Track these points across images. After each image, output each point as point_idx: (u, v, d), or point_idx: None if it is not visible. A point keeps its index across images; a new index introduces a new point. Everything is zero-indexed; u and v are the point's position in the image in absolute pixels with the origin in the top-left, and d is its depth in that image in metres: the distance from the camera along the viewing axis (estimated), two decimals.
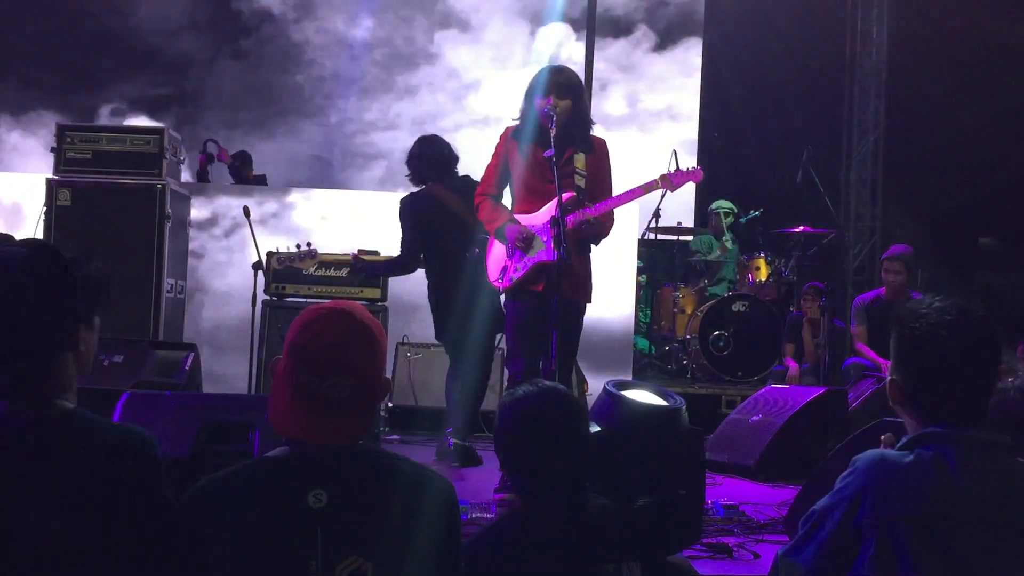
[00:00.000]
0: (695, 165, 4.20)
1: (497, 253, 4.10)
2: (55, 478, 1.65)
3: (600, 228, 4.00)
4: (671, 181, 4.08)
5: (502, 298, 4.34)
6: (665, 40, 9.19)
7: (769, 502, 4.12)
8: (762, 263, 7.46)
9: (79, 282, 1.78)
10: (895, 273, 6.23)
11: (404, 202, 5.08)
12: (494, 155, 4.14)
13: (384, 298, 6.20)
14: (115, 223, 5.94)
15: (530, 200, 4.02)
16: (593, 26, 8.86)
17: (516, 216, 4.05)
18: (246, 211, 5.91)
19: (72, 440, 1.70)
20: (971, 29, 8.53)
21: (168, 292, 6.07)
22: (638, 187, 4.02)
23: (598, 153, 4.08)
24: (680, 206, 8.43)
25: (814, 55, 9.02)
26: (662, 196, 6.97)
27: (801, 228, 7.30)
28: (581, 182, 3.98)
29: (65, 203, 5.95)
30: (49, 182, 5.98)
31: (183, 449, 2.73)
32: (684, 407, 2.39)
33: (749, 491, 4.47)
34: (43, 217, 5.93)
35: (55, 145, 6.07)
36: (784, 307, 7.51)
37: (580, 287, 4.03)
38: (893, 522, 1.73)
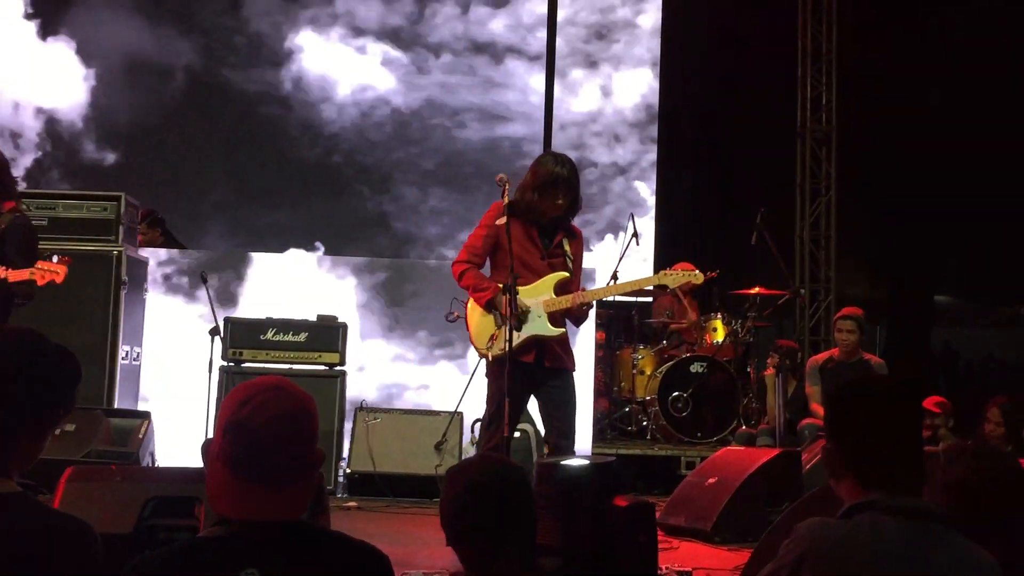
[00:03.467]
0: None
1: (481, 320, 4.20)
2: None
3: (585, 311, 4.30)
4: (672, 279, 4.37)
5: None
6: (623, 99, 9.28)
7: (724, 567, 4.13)
8: (719, 324, 7.54)
9: (62, 375, 1.85)
10: (847, 332, 6.34)
11: None
12: (483, 226, 4.27)
13: (343, 362, 6.19)
14: (71, 289, 5.88)
15: (521, 273, 4.17)
16: (553, 60, 8.93)
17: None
18: (203, 277, 5.91)
19: (11, 523, 1.69)
20: (919, 90, 8.82)
21: (123, 359, 6.02)
22: (642, 279, 4.75)
23: (578, 240, 4.40)
24: (638, 268, 8.53)
25: (767, 120, 9.25)
26: (619, 259, 7.06)
27: (757, 289, 7.41)
28: (571, 265, 4.28)
29: None
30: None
31: (127, 524, 2.69)
32: (613, 462, 2.41)
33: (705, 555, 4.47)
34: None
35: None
36: (742, 367, 7.58)
37: (569, 356, 4.30)
38: None
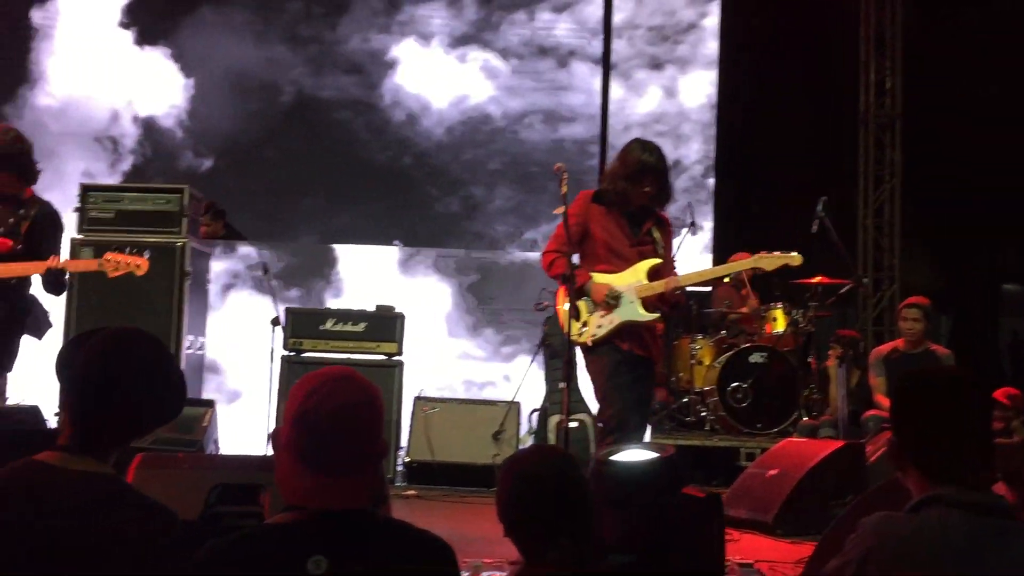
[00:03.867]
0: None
1: (576, 308, 4.20)
2: (82, 532, 1.71)
3: (680, 297, 4.38)
4: (768, 262, 4.41)
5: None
6: (688, 99, 9.26)
7: (786, 560, 4.07)
8: (779, 314, 7.43)
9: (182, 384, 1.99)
10: (913, 321, 6.20)
11: None
12: (571, 215, 4.22)
13: (400, 352, 6.23)
14: (136, 281, 6.01)
15: (610, 261, 4.21)
16: (608, 62, 8.93)
17: (598, 276, 4.21)
18: (265, 268, 6.00)
19: (109, 502, 1.77)
20: (987, 73, 8.56)
21: (188, 348, 6.14)
22: (736, 264, 4.69)
23: (667, 228, 4.40)
24: (696, 258, 8.45)
25: (828, 106, 9.07)
26: (677, 248, 6.99)
27: (818, 278, 7.27)
28: (661, 252, 4.29)
29: None
30: (73, 241, 6.09)
31: (193, 511, 2.75)
32: (673, 456, 2.38)
33: (766, 548, 4.42)
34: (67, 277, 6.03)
35: (78, 205, 6.20)
36: (802, 358, 7.46)
37: (655, 344, 4.34)
38: None
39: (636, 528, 2.29)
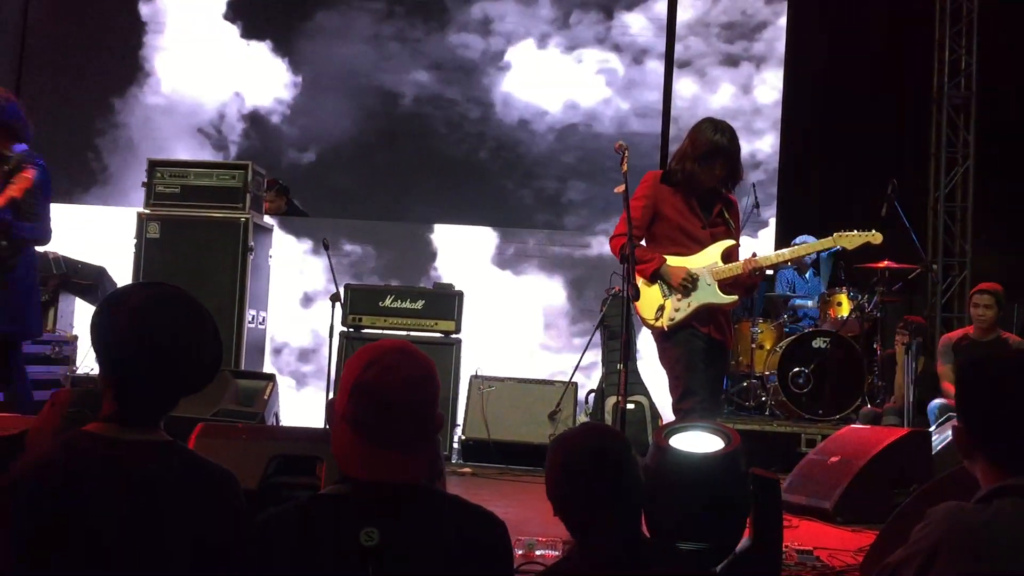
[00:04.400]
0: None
1: (647, 292, 4.14)
2: (156, 500, 1.72)
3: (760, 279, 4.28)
4: (851, 240, 4.21)
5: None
6: (746, 73, 9.16)
7: (846, 548, 3.99)
8: (844, 298, 7.28)
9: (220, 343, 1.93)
10: (984, 307, 6.02)
11: None
12: (639, 197, 4.17)
13: (458, 330, 6.25)
14: (200, 255, 6.14)
15: (683, 244, 4.13)
16: (672, 59, 8.88)
17: (672, 259, 4.13)
18: (325, 244, 6.04)
19: (174, 468, 1.78)
20: None
21: (250, 323, 6.23)
22: (815, 243, 4.40)
23: (734, 208, 4.28)
24: (760, 240, 8.32)
25: (900, 85, 8.82)
26: (739, 230, 6.88)
27: (885, 263, 7.10)
28: (734, 234, 4.20)
29: (154, 236, 6.17)
30: (140, 215, 6.21)
31: (252, 481, 2.78)
32: (737, 447, 2.33)
33: (826, 535, 4.34)
34: (134, 249, 6.17)
35: (146, 180, 6.32)
36: (868, 344, 7.31)
37: (730, 328, 4.27)
38: None
39: (691, 508, 2.25)
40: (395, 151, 8.66)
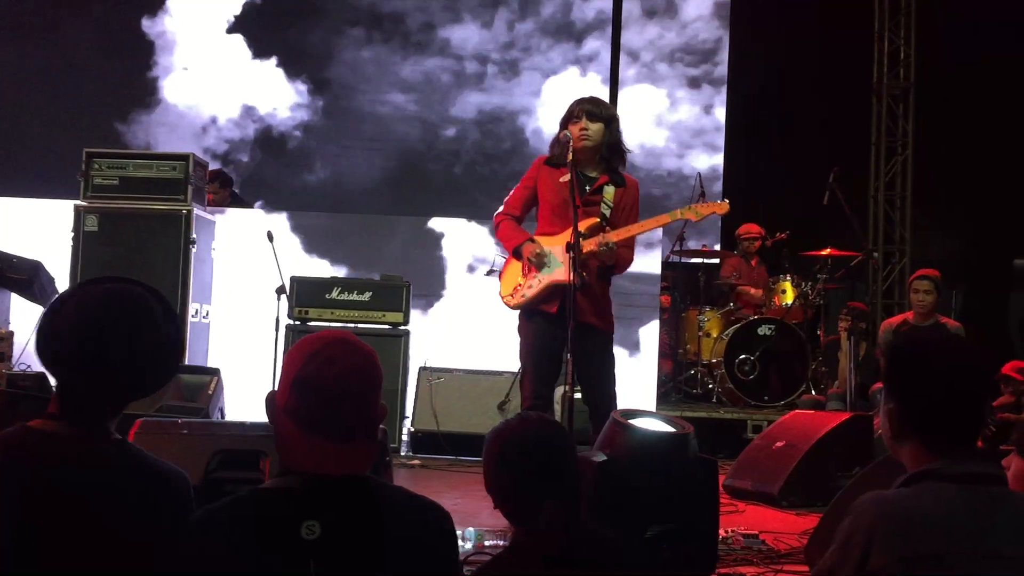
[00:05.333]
0: (722, 196, 4.23)
1: (511, 271, 4.13)
2: (103, 502, 1.70)
3: (617, 257, 4.00)
4: (697, 211, 4.09)
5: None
6: (690, 65, 9.30)
7: (791, 531, 4.05)
8: (788, 286, 7.38)
9: (181, 340, 1.92)
10: (924, 293, 6.15)
11: None
12: (524, 179, 4.20)
13: (406, 322, 6.21)
14: (141, 248, 6.01)
15: (552, 223, 4.07)
16: (617, 61, 8.95)
17: (539, 238, 4.10)
18: (270, 236, 5.95)
19: (119, 468, 1.75)
20: (1001, 46, 8.44)
21: (193, 317, 6.12)
22: (664, 215, 4.13)
23: (628, 190, 4.13)
24: (705, 228, 8.39)
25: (840, 76, 8.96)
26: (685, 222, 6.92)
27: (828, 251, 7.22)
28: (606, 211, 4.04)
29: (92, 229, 6.03)
30: (77, 208, 6.06)
31: (194, 477, 2.73)
32: (692, 434, 2.36)
33: (772, 519, 4.40)
34: (71, 243, 6.02)
35: (83, 171, 6.16)
36: (812, 330, 7.42)
37: (598, 311, 4.04)
38: (907, 562, 1.66)
39: (634, 487, 2.26)
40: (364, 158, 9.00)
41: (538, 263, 3.99)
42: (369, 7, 9.15)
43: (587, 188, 4.02)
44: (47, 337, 1.79)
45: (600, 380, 4.07)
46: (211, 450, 2.83)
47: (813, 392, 7.01)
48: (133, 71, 9.00)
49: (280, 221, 6.85)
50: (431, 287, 6.83)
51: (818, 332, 7.41)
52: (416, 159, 9.10)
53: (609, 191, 4.05)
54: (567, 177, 3.89)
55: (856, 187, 8.44)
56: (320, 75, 9.12)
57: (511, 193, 4.23)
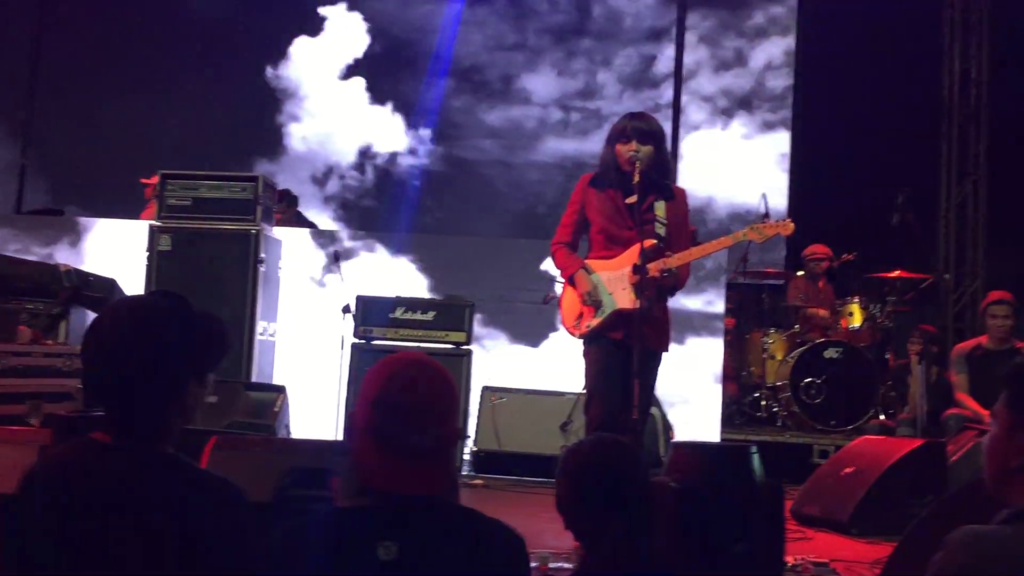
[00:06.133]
0: (785, 217, 4.14)
1: (571, 299, 4.09)
2: (147, 515, 1.70)
3: (677, 279, 3.97)
4: (760, 232, 4.02)
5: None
6: (757, 79, 9.30)
7: (862, 559, 3.97)
8: (856, 308, 7.25)
9: (202, 339, 1.87)
10: (1003, 318, 5.96)
11: None
12: (571, 203, 4.13)
13: (468, 342, 6.23)
14: (212, 267, 6.14)
15: (608, 247, 4.02)
16: (680, 66, 8.96)
17: (594, 262, 4.04)
18: (336, 256, 6.05)
19: (166, 481, 1.76)
20: None
21: (260, 335, 6.23)
22: (727, 237, 4.08)
23: (678, 202, 4.06)
24: (769, 249, 8.30)
25: (911, 96, 8.82)
26: (749, 243, 6.85)
27: (897, 272, 7.08)
28: (661, 230, 3.96)
29: (166, 248, 6.18)
30: (151, 228, 6.23)
31: (266, 493, 2.77)
32: (754, 451, 2.32)
33: (842, 547, 4.31)
34: (145, 262, 6.18)
35: (157, 191, 6.33)
36: (880, 354, 7.28)
37: (659, 336, 4.00)
38: None
39: (703, 511, 2.24)
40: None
41: (588, 301, 3.94)
42: (455, 60, 9.61)
43: (639, 207, 3.91)
44: (82, 353, 1.83)
45: (645, 398, 4.06)
46: (283, 467, 2.87)
47: (882, 417, 6.87)
48: (257, 119, 9.57)
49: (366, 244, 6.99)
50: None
51: (887, 356, 7.26)
52: (501, 201, 9.54)
53: (660, 207, 3.98)
54: (632, 199, 3.88)
55: (926, 208, 8.28)
56: (423, 121, 9.59)
57: (562, 219, 4.16)
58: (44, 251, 6.81)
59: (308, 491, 2.82)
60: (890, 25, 8.65)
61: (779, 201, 8.81)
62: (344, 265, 6.08)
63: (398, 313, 6.25)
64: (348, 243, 6.95)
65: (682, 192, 4.12)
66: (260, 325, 6.21)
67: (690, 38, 9.41)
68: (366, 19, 9.69)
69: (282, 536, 1.76)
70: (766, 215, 7.55)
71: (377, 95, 9.66)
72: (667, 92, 9.42)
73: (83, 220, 7.18)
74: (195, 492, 1.77)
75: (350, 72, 9.69)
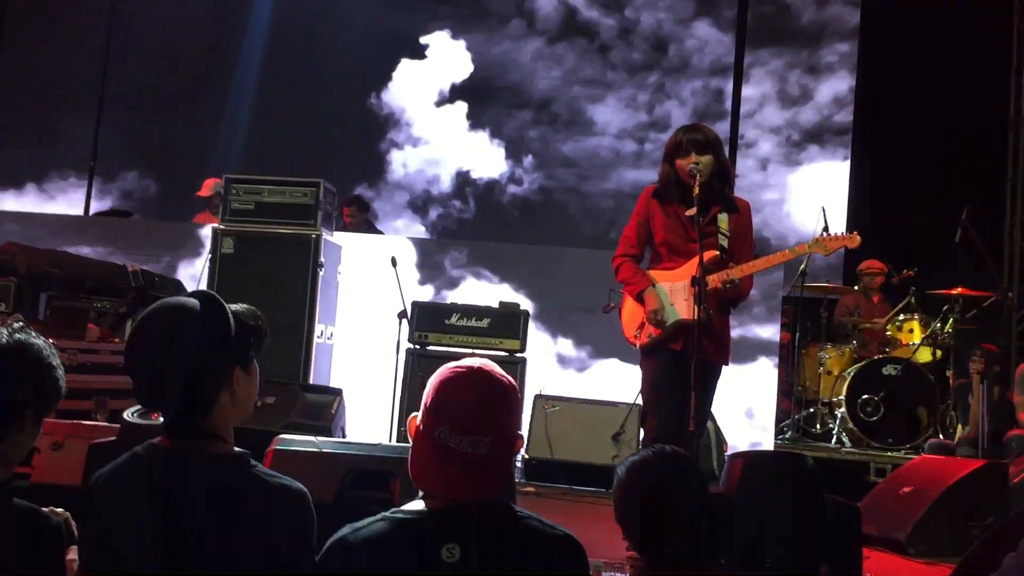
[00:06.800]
0: (846, 229, 4.08)
1: (632, 309, 4.10)
2: (212, 513, 1.76)
3: (740, 290, 3.95)
4: (824, 246, 3.99)
5: None
6: (817, 92, 9.23)
7: None
8: (916, 325, 7.14)
9: (236, 330, 1.91)
10: None
11: None
12: (634, 215, 4.15)
13: (523, 349, 6.26)
14: (272, 270, 6.26)
15: (671, 259, 4.02)
16: (740, 78, 8.94)
17: (656, 273, 4.05)
18: (393, 261, 6.11)
19: (231, 480, 1.81)
20: None
21: (318, 338, 6.32)
22: (788, 250, 4.04)
23: (741, 214, 4.04)
24: (827, 264, 8.20)
25: (974, 111, 8.66)
26: (809, 255, 6.78)
27: (959, 290, 6.96)
28: (724, 242, 3.95)
29: (228, 251, 6.31)
30: (215, 231, 6.37)
31: (329, 494, 2.82)
32: (810, 461, 2.31)
33: (899, 568, 4.25)
34: (207, 264, 6.32)
35: (221, 195, 6.47)
36: (940, 372, 7.14)
37: (719, 349, 3.98)
38: None
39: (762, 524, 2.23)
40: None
41: (655, 321, 3.94)
42: (528, 93, 10.02)
43: (700, 219, 3.90)
44: (125, 360, 1.89)
45: (702, 410, 4.05)
46: (344, 469, 2.92)
47: (941, 436, 6.74)
48: (362, 146, 9.92)
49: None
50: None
51: (947, 374, 7.12)
52: (574, 226, 9.78)
53: (723, 219, 3.97)
54: (692, 211, 3.87)
55: (990, 226, 8.12)
56: (515, 148, 9.97)
57: (625, 231, 4.18)
58: (112, 252, 7.00)
59: (368, 493, 2.87)
60: (955, 39, 8.51)
61: (838, 216, 8.69)
62: (402, 271, 6.14)
63: (453, 319, 6.31)
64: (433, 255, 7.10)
65: (746, 204, 4.10)
66: (318, 328, 6.30)
67: (757, 72, 9.56)
68: (468, 48, 10.07)
69: (345, 540, 1.80)
70: (825, 229, 7.47)
71: (476, 122, 10.02)
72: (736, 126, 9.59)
73: (150, 223, 7.36)
74: (263, 493, 1.81)
75: (450, 98, 10.06)
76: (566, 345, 6.95)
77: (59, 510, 1.90)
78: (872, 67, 8.98)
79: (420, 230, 9.87)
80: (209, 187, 7.80)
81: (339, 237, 6.80)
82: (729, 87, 9.59)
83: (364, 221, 7.97)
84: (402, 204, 9.98)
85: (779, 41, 9.58)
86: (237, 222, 6.38)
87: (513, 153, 9.96)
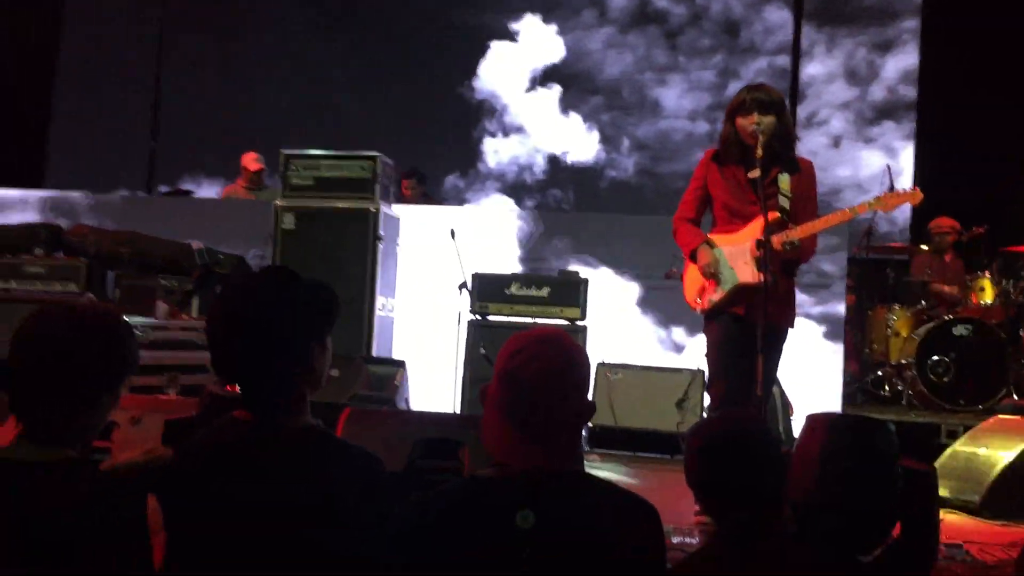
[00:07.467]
0: (911, 185, 3.98)
1: (693, 274, 4.05)
2: (296, 484, 1.78)
3: (800, 252, 3.87)
4: (885, 203, 3.89)
5: None
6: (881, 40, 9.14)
7: (996, 542, 3.82)
8: (987, 283, 6.95)
9: (314, 305, 1.93)
10: None
11: None
12: (693, 179, 4.08)
13: (583, 317, 6.24)
14: (333, 244, 6.32)
15: (731, 221, 3.95)
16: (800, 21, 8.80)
17: (716, 236, 3.99)
18: (452, 233, 6.13)
19: (312, 451, 1.83)
20: None
21: (380, 310, 6.38)
22: (848, 208, 3.92)
23: (804, 174, 3.95)
24: (894, 221, 8.03)
25: None
26: (874, 213, 6.63)
27: None
28: (785, 203, 3.85)
29: (289, 227, 6.38)
30: (276, 207, 6.44)
31: (399, 463, 2.85)
32: (891, 427, 2.24)
33: (974, 530, 4.16)
34: (270, 239, 6.41)
35: (281, 171, 6.54)
36: (1013, 331, 6.96)
37: (783, 311, 3.91)
38: None
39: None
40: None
41: (709, 274, 3.89)
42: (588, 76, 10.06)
43: (762, 180, 3.82)
44: (207, 334, 1.92)
45: (772, 379, 3.99)
46: (413, 438, 2.95)
47: (1015, 397, 6.58)
48: (454, 135, 9.97)
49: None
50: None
51: (1021, 333, 6.93)
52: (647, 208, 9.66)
53: (784, 180, 3.88)
54: (755, 172, 3.80)
55: None
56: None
57: (684, 196, 4.12)
58: (175, 230, 7.12)
59: (438, 462, 2.89)
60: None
61: (905, 175, 8.50)
62: (462, 242, 6.15)
63: (513, 289, 6.31)
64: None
65: (809, 164, 4.00)
66: (379, 301, 6.36)
67: (819, 50, 9.48)
68: (559, 32, 10.09)
69: (420, 505, 1.82)
70: (891, 187, 7.30)
71: (567, 105, 10.07)
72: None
73: (212, 200, 7.47)
74: (341, 463, 1.84)
75: (542, 81, 10.12)
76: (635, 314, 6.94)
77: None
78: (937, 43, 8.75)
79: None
80: (254, 159, 7.90)
81: (397, 209, 6.83)
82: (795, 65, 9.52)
83: (423, 194, 8.01)
84: (492, 191, 10.07)
85: (844, 21, 9.51)
86: (297, 197, 6.44)
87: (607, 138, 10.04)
